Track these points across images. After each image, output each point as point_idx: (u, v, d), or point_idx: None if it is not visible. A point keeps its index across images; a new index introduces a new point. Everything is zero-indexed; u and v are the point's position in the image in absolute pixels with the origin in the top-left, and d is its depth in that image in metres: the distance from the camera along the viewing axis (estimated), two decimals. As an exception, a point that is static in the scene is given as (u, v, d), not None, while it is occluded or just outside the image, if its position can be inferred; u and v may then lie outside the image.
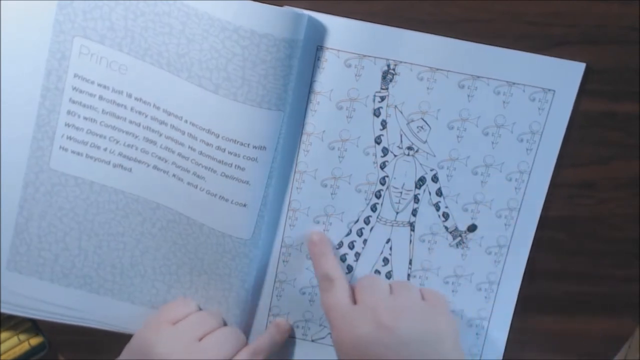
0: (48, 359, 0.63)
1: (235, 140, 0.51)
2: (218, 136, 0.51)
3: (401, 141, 0.55)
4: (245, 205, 0.53)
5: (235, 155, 0.51)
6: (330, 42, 0.52)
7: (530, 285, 0.59)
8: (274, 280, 0.58)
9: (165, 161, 0.53)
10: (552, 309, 0.62)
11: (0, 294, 0.57)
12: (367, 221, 0.57)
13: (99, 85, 0.52)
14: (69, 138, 0.53)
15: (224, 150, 0.51)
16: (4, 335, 0.61)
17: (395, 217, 0.57)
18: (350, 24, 0.51)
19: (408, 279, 0.58)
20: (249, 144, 0.51)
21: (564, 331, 0.62)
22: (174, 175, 0.53)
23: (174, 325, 0.55)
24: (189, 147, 0.52)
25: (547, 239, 0.58)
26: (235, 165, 0.52)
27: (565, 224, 0.58)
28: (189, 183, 0.53)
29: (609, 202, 0.58)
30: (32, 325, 0.62)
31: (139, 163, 0.54)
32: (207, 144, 0.51)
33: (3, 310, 0.58)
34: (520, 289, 0.59)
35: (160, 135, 0.53)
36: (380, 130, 0.54)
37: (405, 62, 0.52)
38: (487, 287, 0.58)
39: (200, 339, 0.54)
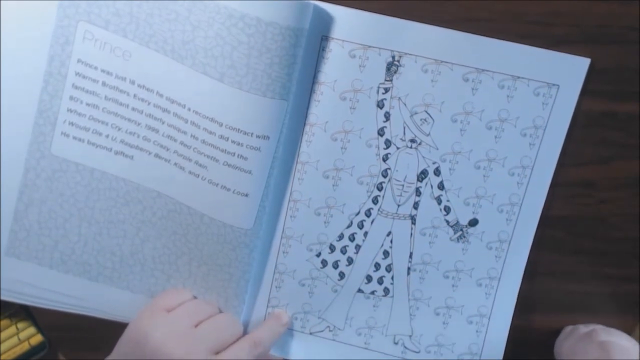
0: (48, 358, 0.63)
1: (239, 129, 0.51)
2: (221, 125, 0.51)
3: (404, 133, 0.54)
4: (247, 195, 0.53)
5: (239, 144, 0.51)
6: (335, 32, 0.52)
7: (530, 285, 0.59)
8: (274, 272, 0.58)
9: (167, 149, 0.53)
10: (552, 308, 0.61)
11: (0, 279, 0.57)
12: (368, 213, 0.56)
13: (102, 71, 0.52)
14: (71, 124, 0.53)
15: (227, 139, 0.51)
16: (4, 335, 0.60)
17: (397, 209, 0.56)
18: (355, 14, 0.51)
19: (408, 272, 0.58)
20: (252, 133, 0.51)
21: (564, 330, 0.62)
22: (175, 164, 0.53)
23: (168, 313, 0.54)
24: (191, 135, 0.52)
25: (548, 238, 0.58)
26: (238, 155, 0.51)
27: (565, 224, 0.58)
28: (190, 172, 0.53)
29: (609, 202, 0.58)
30: (32, 324, 0.61)
31: (141, 151, 0.54)
32: (210, 133, 0.51)
33: (2, 297, 0.57)
34: (520, 288, 0.58)
35: (163, 123, 0.52)
36: (384, 122, 0.54)
37: (410, 54, 0.52)
38: (488, 283, 0.58)
39: (196, 326, 0.53)
